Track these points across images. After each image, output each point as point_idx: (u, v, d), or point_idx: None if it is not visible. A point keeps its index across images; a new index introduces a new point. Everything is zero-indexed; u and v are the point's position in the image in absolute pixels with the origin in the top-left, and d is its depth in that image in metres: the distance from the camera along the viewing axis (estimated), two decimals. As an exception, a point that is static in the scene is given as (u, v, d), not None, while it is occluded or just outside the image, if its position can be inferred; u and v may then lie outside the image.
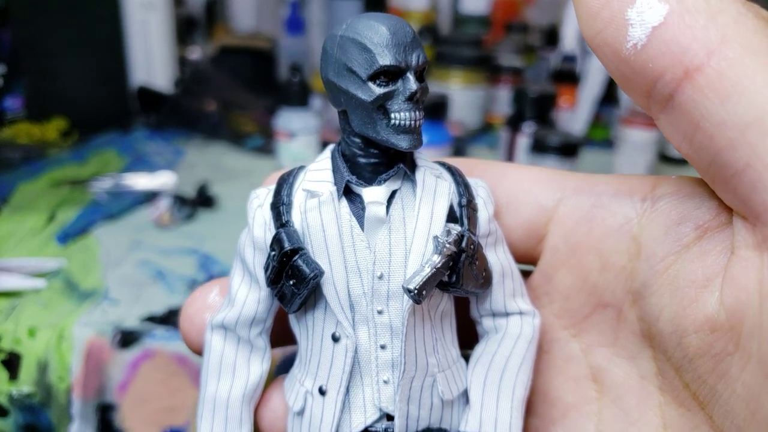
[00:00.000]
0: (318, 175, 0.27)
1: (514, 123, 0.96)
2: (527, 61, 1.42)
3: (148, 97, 1.21)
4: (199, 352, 0.30)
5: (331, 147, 0.28)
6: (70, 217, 0.81)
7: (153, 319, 0.61)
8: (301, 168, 0.28)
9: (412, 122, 0.25)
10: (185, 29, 1.60)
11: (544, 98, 0.95)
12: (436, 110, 0.91)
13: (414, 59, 0.25)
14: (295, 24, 1.42)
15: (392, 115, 0.25)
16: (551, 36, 1.46)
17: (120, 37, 1.18)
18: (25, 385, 0.57)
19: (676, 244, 0.25)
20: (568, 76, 1.22)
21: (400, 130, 0.25)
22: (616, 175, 0.29)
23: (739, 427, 0.22)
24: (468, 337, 0.30)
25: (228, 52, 1.35)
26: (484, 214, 0.27)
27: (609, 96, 1.22)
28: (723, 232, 0.24)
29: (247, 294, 0.28)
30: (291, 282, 0.25)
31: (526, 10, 1.73)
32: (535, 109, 0.94)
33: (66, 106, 1.12)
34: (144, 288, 0.66)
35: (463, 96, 1.20)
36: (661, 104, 0.23)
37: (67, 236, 0.76)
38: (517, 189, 0.30)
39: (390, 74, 0.24)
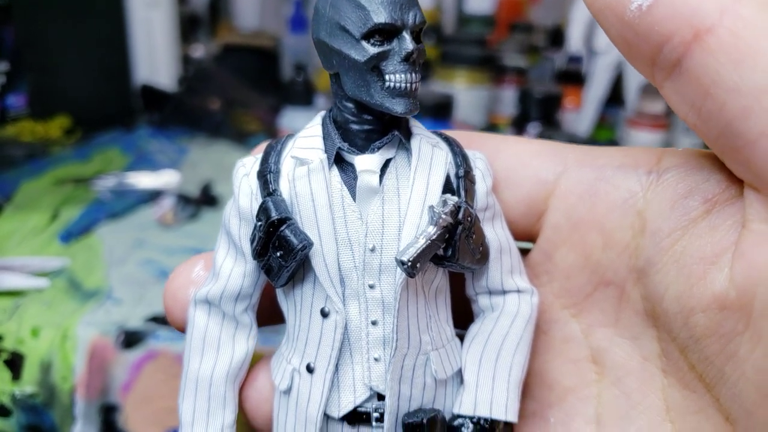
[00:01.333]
0: (308, 141, 0.26)
1: (520, 123, 0.96)
2: (531, 61, 1.42)
3: (151, 95, 1.21)
4: (182, 329, 0.28)
5: (321, 113, 0.27)
6: (73, 215, 0.81)
7: (156, 320, 0.61)
8: (290, 136, 0.27)
9: (408, 84, 0.24)
10: (188, 27, 1.60)
11: (549, 99, 0.94)
12: (440, 110, 0.91)
13: (410, 18, 0.24)
14: (299, 22, 1.41)
15: (387, 77, 0.24)
16: (556, 36, 1.45)
17: (123, 34, 1.17)
18: (28, 385, 0.57)
19: (684, 218, 0.24)
20: (573, 77, 1.22)
21: (396, 93, 0.24)
22: (619, 147, 0.28)
23: (748, 411, 0.21)
24: (463, 318, 0.29)
25: (231, 51, 1.34)
26: (482, 186, 0.26)
27: (615, 97, 1.22)
28: (733, 206, 0.22)
29: (232, 267, 0.27)
30: (278, 254, 0.24)
31: (530, 10, 1.73)
32: (540, 110, 0.94)
33: (69, 103, 1.11)
34: (147, 287, 0.66)
35: (467, 96, 1.20)
36: (668, 71, 0.21)
37: (70, 235, 0.76)
38: (516, 162, 0.28)
39: (385, 33, 0.23)
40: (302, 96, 0.94)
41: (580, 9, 1.20)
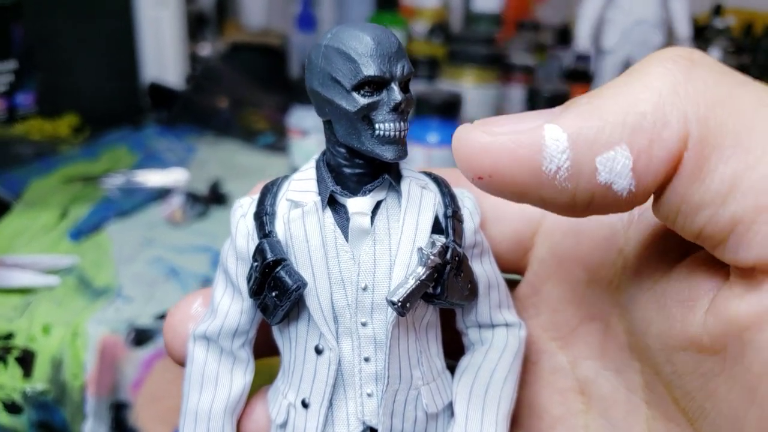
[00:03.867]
0: (302, 185, 0.26)
1: (528, 122, 0.95)
2: (539, 59, 1.41)
3: (159, 93, 1.21)
4: (182, 363, 0.29)
5: (315, 157, 0.28)
6: (82, 213, 0.81)
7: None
8: (286, 177, 0.28)
9: (397, 132, 0.25)
10: (196, 26, 1.60)
11: (557, 97, 0.94)
12: (448, 109, 0.90)
13: (398, 70, 0.25)
14: (307, 21, 1.41)
15: (377, 126, 0.24)
16: (563, 34, 1.45)
17: (132, 33, 1.17)
18: (39, 382, 0.57)
19: (662, 259, 0.24)
20: (581, 75, 1.21)
21: (385, 140, 0.25)
22: None
23: None
24: (453, 348, 0.29)
25: (239, 49, 1.34)
26: (470, 224, 0.27)
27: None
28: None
29: (229, 305, 0.27)
30: (273, 293, 0.25)
31: (537, 8, 1.72)
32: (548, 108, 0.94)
33: (78, 102, 1.12)
34: (157, 286, 0.66)
35: (475, 94, 1.19)
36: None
37: (79, 233, 0.76)
38: (503, 200, 0.29)
39: (374, 84, 0.24)
40: (311, 95, 0.93)
41: (588, 7, 1.20)
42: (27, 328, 0.58)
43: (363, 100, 0.24)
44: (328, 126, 0.26)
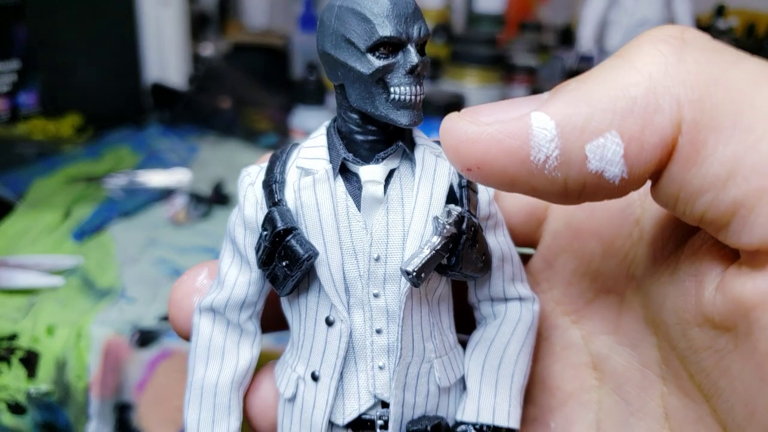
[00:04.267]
0: (313, 152, 0.26)
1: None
2: (542, 60, 1.41)
3: (161, 93, 1.21)
4: (187, 337, 0.28)
5: (326, 123, 0.27)
6: (85, 213, 0.81)
7: (171, 318, 0.61)
8: (295, 145, 0.27)
9: (413, 97, 0.24)
10: (198, 26, 1.60)
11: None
12: (451, 109, 0.90)
13: (415, 31, 0.24)
14: (309, 21, 1.41)
15: (392, 89, 0.24)
16: (566, 35, 1.45)
17: (134, 33, 1.17)
18: (43, 383, 0.57)
19: (678, 230, 0.23)
20: (583, 76, 1.21)
21: (400, 105, 0.24)
22: None
23: (740, 426, 0.21)
24: (465, 323, 0.29)
25: (241, 49, 1.34)
26: (484, 196, 0.26)
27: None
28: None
29: (237, 276, 0.27)
30: (284, 263, 0.24)
31: (540, 8, 1.72)
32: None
33: (80, 102, 1.11)
34: (161, 286, 0.66)
35: (478, 95, 1.19)
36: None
37: (83, 233, 0.76)
38: None
39: (390, 46, 0.24)
40: (314, 95, 0.93)
41: (591, 8, 1.20)
42: (31, 329, 0.58)
43: (378, 62, 0.24)
44: (340, 91, 0.25)
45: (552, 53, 1.44)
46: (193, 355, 0.28)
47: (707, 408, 0.23)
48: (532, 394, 0.29)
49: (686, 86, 0.19)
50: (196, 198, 0.85)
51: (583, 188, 0.20)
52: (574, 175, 0.20)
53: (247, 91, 1.18)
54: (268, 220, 0.25)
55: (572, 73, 1.24)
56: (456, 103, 0.92)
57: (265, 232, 0.25)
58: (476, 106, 0.22)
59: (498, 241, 0.27)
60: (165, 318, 0.61)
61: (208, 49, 1.48)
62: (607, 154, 0.19)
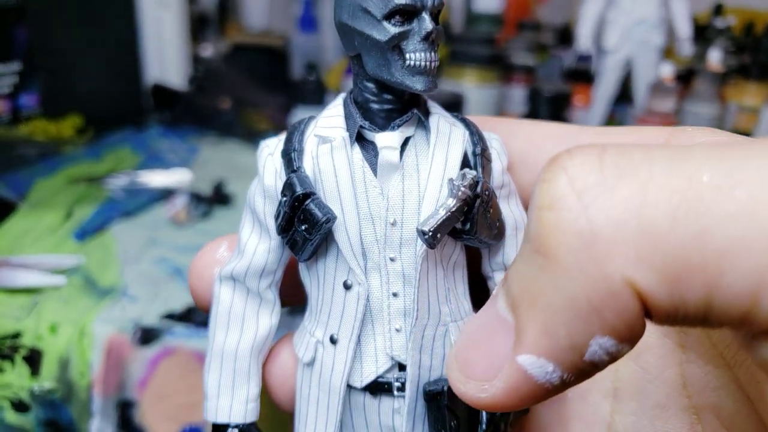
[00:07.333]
0: (330, 121, 0.26)
1: (529, 122, 0.96)
2: (540, 59, 1.42)
3: (162, 94, 1.22)
4: (206, 309, 0.29)
5: (342, 95, 0.27)
6: (86, 214, 0.82)
7: (172, 317, 0.61)
8: (312, 117, 0.28)
9: (427, 63, 0.25)
10: (198, 27, 1.60)
11: (558, 97, 0.95)
12: (450, 108, 0.90)
13: None
14: (308, 22, 1.42)
15: (407, 56, 0.24)
16: (564, 34, 1.45)
17: (134, 34, 1.18)
18: (46, 381, 0.58)
19: None
20: (582, 75, 1.22)
21: (415, 71, 0.25)
22: (631, 127, 0.28)
23: (762, 396, 0.21)
24: (480, 297, 0.29)
25: (241, 50, 1.35)
26: (498, 164, 0.27)
27: (623, 95, 1.22)
28: None
29: (257, 244, 0.27)
30: (303, 227, 0.25)
31: (538, 8, 1.73)
32: (549, 108, 0.94)
33: (81, 103, 1.12)
34: (162, 285, 0.67)
35: (476, 94, 1.20)
36: None
37: (84, 233, 0.76)
38: (529, 145, 0.29)
39: (405, 13, 0.24)
40: (314, 95, 0.94)
41: (589, 7, 1.20)
42: (34, 327, 0.59)
43: (394, 29, 0.24)
44: (357, 61, 0.26)
45: (550, 52, 1.45)
46: (214, 322, 0.28)
47: (730, 375, 0.23)
48: None
49: (645, 267, 0.18)
50: (196, 198, 0.85)
51: (596, 368, 0.20)
52: (579, 370, 0.20)
53: (247, 92, 1.19)
54: (287, 186, 0.25)
55: (571, 72, 1.25)
56: (455, 103, 0.92)
57: (285, 198, 0.25)
58: (459, 354, 0.22)
59: (511, 210, 0.28)
60: (167, 316, 0.61)
61: (207, 50, 1.48)
62: (602, 351, 0.19)
